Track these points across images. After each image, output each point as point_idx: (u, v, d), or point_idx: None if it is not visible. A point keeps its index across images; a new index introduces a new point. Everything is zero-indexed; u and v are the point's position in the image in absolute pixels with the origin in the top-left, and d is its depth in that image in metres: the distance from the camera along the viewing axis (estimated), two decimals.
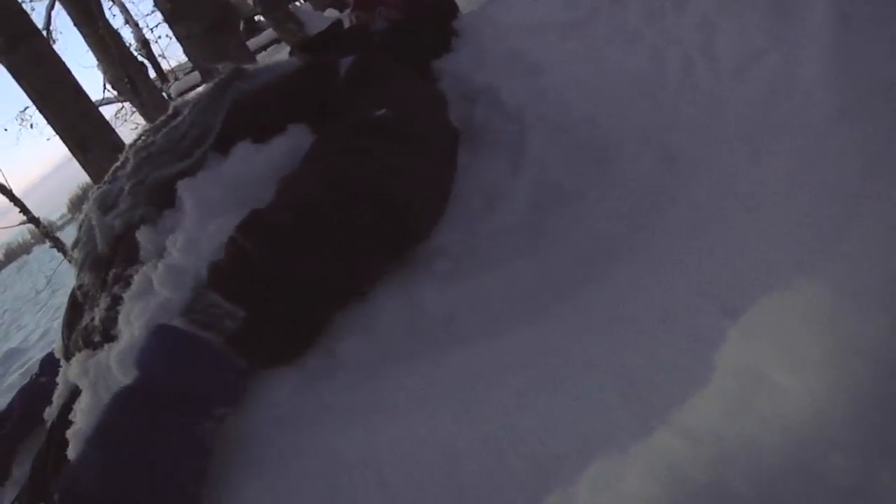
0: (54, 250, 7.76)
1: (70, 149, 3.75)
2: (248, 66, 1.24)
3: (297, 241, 0.83)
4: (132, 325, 0.93)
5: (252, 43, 3.83)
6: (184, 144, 1.08)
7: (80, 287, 1.14)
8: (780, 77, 0.94)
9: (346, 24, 1.55)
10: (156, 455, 0.68)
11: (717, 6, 1.08)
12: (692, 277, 0.67)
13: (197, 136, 1.08)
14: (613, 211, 0.91)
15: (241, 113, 1.13)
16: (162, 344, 0.78)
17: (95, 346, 1.04)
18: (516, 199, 1.05)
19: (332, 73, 1.16)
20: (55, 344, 1.27)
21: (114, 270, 1.04)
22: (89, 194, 1.18)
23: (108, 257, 1.08)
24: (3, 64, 3.49)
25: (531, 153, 1.11)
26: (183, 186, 1.01)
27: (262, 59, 3.72)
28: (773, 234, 0.69)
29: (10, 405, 1.42)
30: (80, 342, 1.08)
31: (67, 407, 1.16)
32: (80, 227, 1.16)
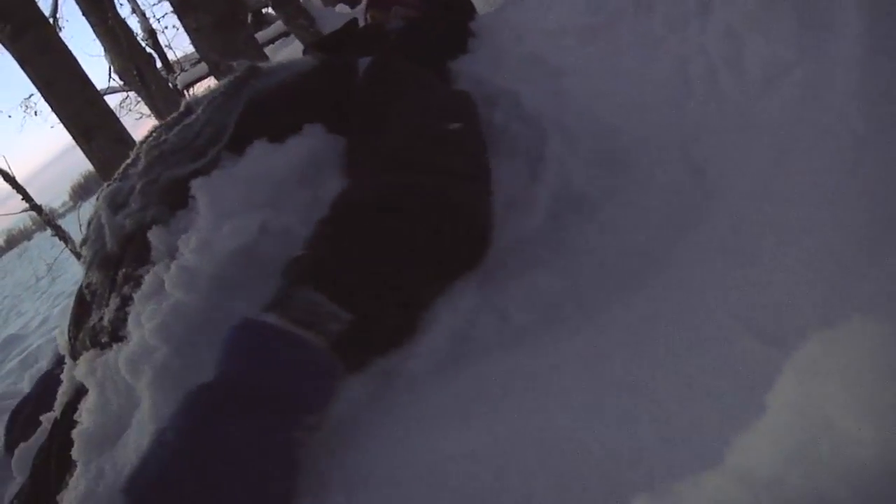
0: (55, 238, 7.73)
1: (74, 137, 3.74)
2: (264, 65, 1.22)
3: (395, 242, 0.81)
4: (142, 326, 0.91)
5: (260, 36, 3.81)
6: (198, 143, 1.07)
7: (87, 286, 1.12)
8: (809, 90, 0.92)
9: (361, 23, 1.53)
10: (242, 464, 0.60)
11: (742, 17, 1.06)
12: (723, 298, 0.65)
13: (211, 135, 1.07)
14: (637, 222, 0.89)
15: (256, 112, 1.11)
16: (253, 340, 0.70)
17: (103, 346, 1.02)
18: (536, 207, 1.03)
19: (350, 72, 1.14)
20: (58, 339, 1.25)
21: (123, 270, 1.02)
22: (98, 193, 1.16)
23: (117, 256, 1.07)
24: (9, 51, 3.48)
25: (551, 160, 1.09)
26: (197, 186, 0.99)
27: (271, 52, 3.68)
28: (806, 254, 0.67)
29: (31, 393, 1.42)
30: (88, 341, 1.07)
31: (72, 405, 1.15)
32: (89, 224, 1.15)
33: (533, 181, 1.08)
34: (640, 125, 1.05)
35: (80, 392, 1.12)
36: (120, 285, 1.01)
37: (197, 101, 1.22)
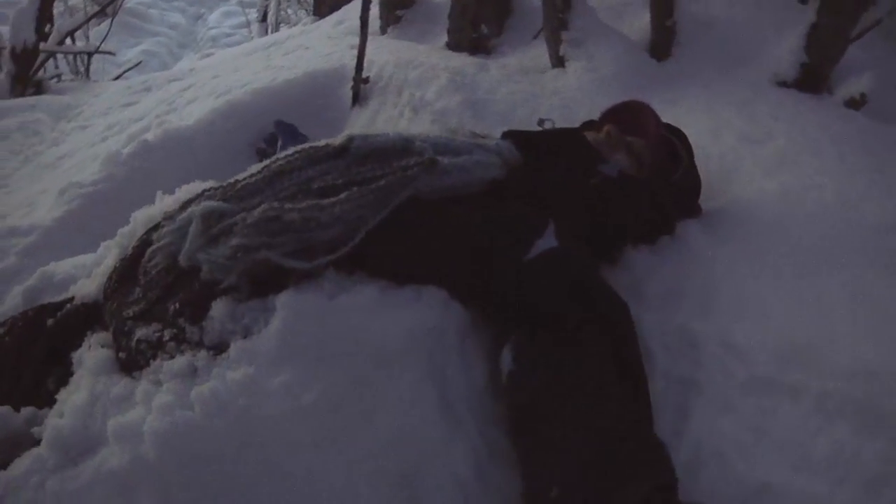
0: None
1: None
2: (446, 160, 1.05)
3: None
4: (149, 405, 0.86)
5: None
6: (316, 237, 0.95)
7: (145, 265, 1.04)
8: None
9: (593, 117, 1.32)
10: None
11: None
12: None
13: (334, 237, 0.95)
14: None
15: (398, 225, 0.98)
16: None
17: (119, 351, 0.99)
18: None
19: (524, 244, 1.01)
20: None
21: (176, 305, 0.96)
22: (205, 191, 1.07)
23: (181, 272, 0.99)
24: None
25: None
26: (282, 303, 0.91)
27: None
28: None
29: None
30: (114, 322, 1.02)
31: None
32: (182, 207, 1.08)
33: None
34: None
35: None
36: (169, 321, 0.95)
37: (360, 145, 1.05)
